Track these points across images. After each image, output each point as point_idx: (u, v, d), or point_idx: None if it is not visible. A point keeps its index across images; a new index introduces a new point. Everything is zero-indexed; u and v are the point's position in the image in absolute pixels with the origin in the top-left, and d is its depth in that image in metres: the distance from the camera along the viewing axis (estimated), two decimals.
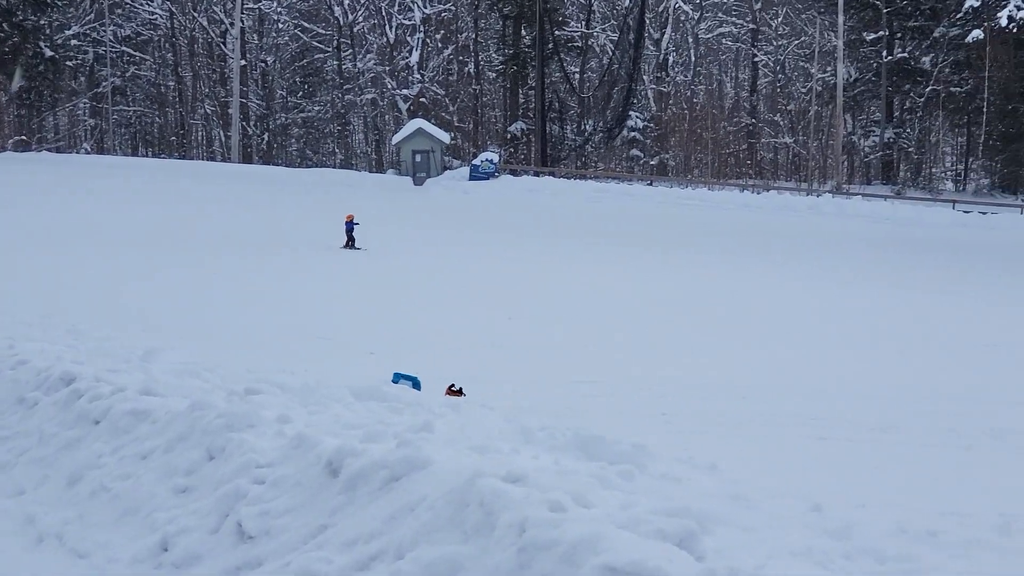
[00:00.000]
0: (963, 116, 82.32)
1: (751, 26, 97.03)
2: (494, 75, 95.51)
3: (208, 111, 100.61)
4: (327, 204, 58.95)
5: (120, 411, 11.32)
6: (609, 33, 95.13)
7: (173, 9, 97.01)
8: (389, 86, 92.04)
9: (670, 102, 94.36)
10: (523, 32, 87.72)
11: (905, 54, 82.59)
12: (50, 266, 35.11)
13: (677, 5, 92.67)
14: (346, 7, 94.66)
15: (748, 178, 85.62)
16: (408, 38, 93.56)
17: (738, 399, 21.04)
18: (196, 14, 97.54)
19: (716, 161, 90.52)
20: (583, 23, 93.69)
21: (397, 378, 18.23)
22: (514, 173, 77.18)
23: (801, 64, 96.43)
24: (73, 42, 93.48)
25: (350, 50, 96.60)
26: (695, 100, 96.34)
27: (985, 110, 76.17)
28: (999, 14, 73.13)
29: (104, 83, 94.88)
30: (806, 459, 16.07)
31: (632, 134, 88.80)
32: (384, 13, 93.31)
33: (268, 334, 26.37)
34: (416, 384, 18.19)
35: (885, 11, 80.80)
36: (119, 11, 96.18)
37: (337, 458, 8.11)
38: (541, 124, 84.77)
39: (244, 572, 7.63)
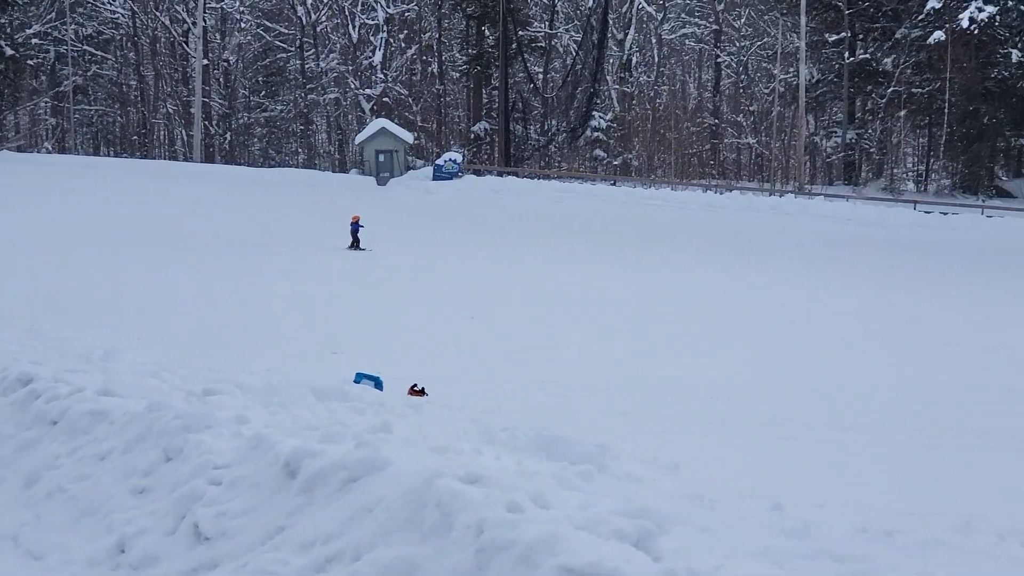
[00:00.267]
0: (924, 117, 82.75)
1: (714, 27, 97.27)
2: (458, 75, 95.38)
3: (170, 110, 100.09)
4: (294, 204, 58.79)
5: (78, 412, 11.22)
6: (573, 33, 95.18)
7: (135, 8, 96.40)
8: (352, 86, 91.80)
9: (633, 102, 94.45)
10: (486, 32, 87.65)
11: (867, 55, 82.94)
12: (10, 265, 34.81)
13: (640, 6, 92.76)
14: (309, 6, 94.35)
15: (711, 178, 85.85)
16: (371, 38, 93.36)
17: (704, 399, 21.06)
18: (158, 13, 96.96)
19: (679, 161, 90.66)
20: (547, 23, 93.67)
21: (359, 378, 18.17)
22: (478, 173, 77.09)
23: (764, 65, 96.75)
24: (34, 41, 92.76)
25: (313, 49, 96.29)
26: (658, 100, 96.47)
27: (946, 111, 76.60)
28: (960, 16, 73.56)
29: (66, 82, 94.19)
30: (770, 459, 16.09)
31: (595, 134, 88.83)
32: (347, 12, 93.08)
33: (233, 334, 26.21)
34: (378, 384, 18.13)
35: (847, 12, 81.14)
36: (80, 10, 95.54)
37: (295, 459, 8.06)
38: (505, 124, 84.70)
39: (200, 573, 7.57)
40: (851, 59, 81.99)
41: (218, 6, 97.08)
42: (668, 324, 30.43)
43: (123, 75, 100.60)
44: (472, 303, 32.40)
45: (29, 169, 67.29)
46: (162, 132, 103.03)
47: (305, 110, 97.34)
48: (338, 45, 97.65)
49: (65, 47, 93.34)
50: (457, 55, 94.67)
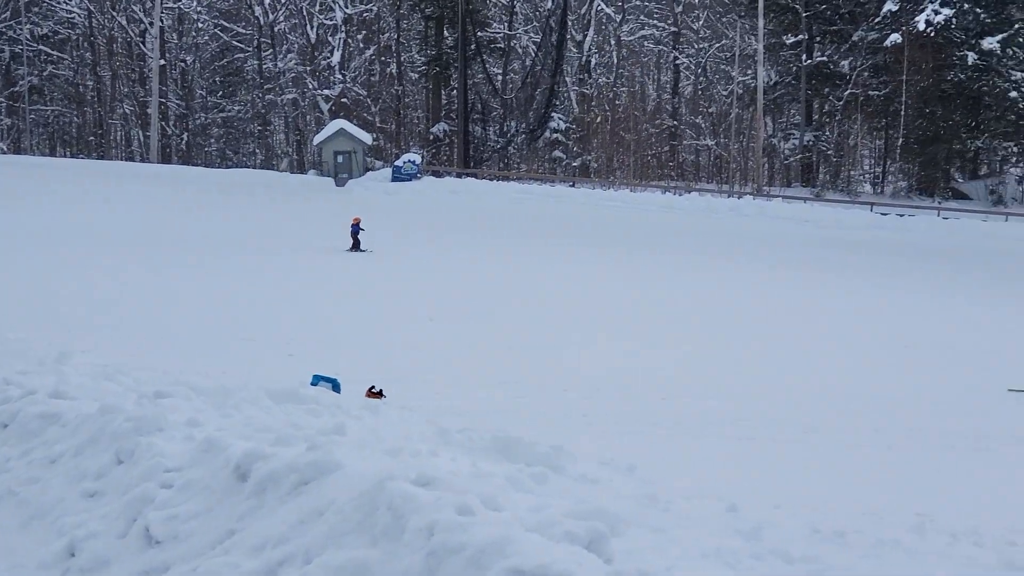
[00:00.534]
0: (881, 120, 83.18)
1: (672, 29, 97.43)
2: (416, 76, 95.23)
3: (127, 111, 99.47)
4: (252, 205, 58.52)
5: (29, 414, 11.12)
6: (532, 35, 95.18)
7: (91, 8, 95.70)
8: (310, 86, 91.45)
9: (592, 104, 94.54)
10: (445, 33, 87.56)
11: (824, 58, 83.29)
12: None
13: (599, 7, 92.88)
14: (267, 7, 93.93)
15: (670, 180, 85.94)
16: (329, 38, 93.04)
17: (663, 399, 21.11)
18: (115, 13, 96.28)
19: (638, 163, 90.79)
20: (506, 24, 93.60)
21: (316, 380, 18.10)
22: (437, 174, 76.98)
23: (722, 67, 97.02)
24: None
25: (271, 50, 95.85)
26: (617, 102, 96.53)
27: (903, 114, 77.07)
28: (917, 18, 73.95)
29: (21, 82, 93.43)
30: (727, 460, 16.13)
31: (554, 136, 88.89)
32: (305, 13, 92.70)
33: (191, 335, 26.11)
34: (336, 386, 18.06)
35: (804, 15, 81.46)
36: (36, 9, 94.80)
37: (246, 462, 7.99)
38: (463, 125, 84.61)
39: None
40: (808, 61, 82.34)
41: (175, 6, 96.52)
42: (628, 325, 30.46)
43: (79, 75, 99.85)
44: (431, 304, 32.35)
45: None
46: (119, 133, 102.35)
47: (263, 110, 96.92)
48: (296, 45, 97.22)
49: (20, 47, 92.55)
50: (416, 56, 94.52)
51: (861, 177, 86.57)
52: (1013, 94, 73.51)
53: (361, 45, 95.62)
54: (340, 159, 73.64)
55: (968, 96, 75.82)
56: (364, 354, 24.60)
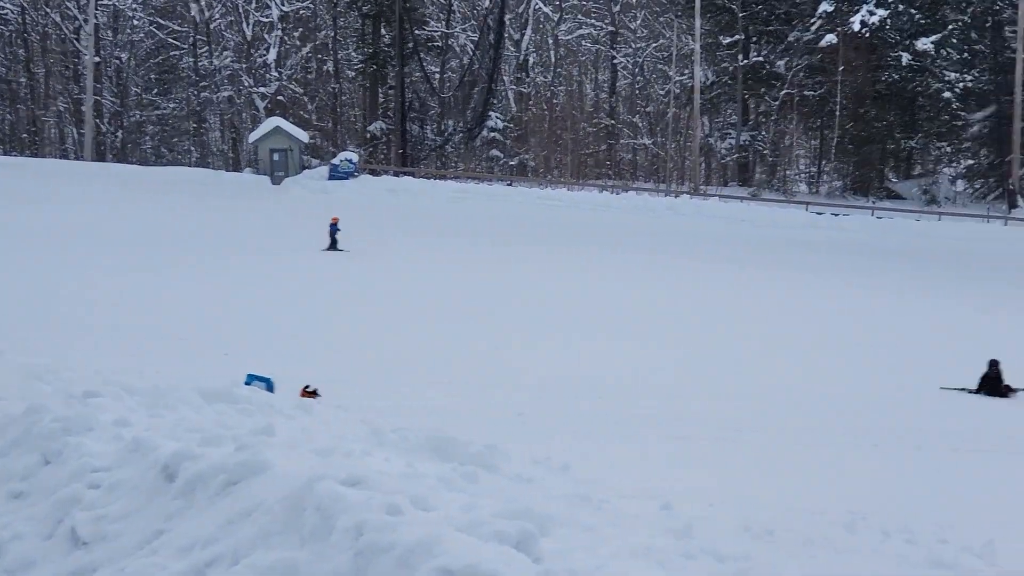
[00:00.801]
0: (817, 120, 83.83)
1: (610, 28, 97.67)
2: (353, 74, 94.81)
3: (61, 108, 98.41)
4: (189, 203, 58.02)
5: None
6: (469, 33, 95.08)
7: (25, 4, 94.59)
8: (246, 84, 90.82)
9: (530, 103, 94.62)
10: (383, 31, 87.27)
11: (760, 58, 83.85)
12: None
13: (537, 6, 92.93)
14: (203, 4, 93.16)
15: (607, 179, 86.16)
16: (266, 35, 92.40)
17: (599, 399, 21.12)
18: (48, 9, 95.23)
19: (576, 162, 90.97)
20: (443, 23, 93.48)
21: (250, 379, 17.97)
22: (374, 173, 76.65)
23: (659, 67, 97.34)
24: None
25: (206, 47, 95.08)
26: (555, 101, 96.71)
27: (838, 114, 77.73)
28: (852, 19, 74.62)
29: None
30: (663, 459, 16.15)
31: (492, 135, 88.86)
32: (241, 10, 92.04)
33: (126, 335, 25.86)
34: (269, 386, 17.94)
35: (741, 15, 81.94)
36: None
37: (174, 462, 7.90)
38: (401, 124, 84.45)
39: None
40: (745, 61, 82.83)
41: (110, 3, 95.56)
42: (563, 324, 30.48)
43: (12, 72, 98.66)
44: (369, 303, 32.24)
45: None
46: (52, 130, 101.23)
47: (198, 108, 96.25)
48: (232, 43, 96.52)
49: None
50: (353, 54, 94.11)
51: (797, 177, 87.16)
52: (947, 94, 74.37)
53: (298, 43, 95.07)
54: (276, 157, 73.14)
55: (902, 96, 76.65)
56: (302, 353, 24.47)
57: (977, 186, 79.83)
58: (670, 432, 18.22)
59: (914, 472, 16.58)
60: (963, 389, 23.75)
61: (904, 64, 74.48)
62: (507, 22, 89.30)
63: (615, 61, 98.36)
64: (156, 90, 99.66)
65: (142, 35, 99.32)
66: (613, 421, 19.00)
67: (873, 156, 78.59)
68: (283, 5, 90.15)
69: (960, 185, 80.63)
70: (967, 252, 55.13)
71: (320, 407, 15.75)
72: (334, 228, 44.35)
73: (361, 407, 17.62)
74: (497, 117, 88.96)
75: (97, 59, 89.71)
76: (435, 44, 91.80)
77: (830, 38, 75.57)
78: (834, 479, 15.56)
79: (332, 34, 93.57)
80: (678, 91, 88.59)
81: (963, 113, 76.40)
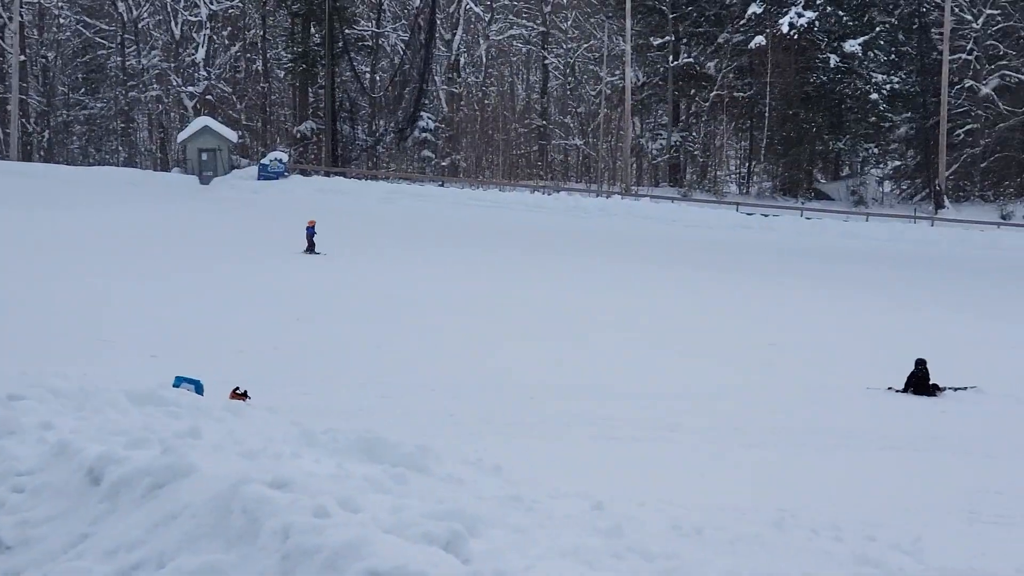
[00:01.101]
0: (746, 121, 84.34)
1: (541, 29, 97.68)
2: (283, 73, 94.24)
3: None
4: (119, 203, 57.46)
5: None
6: (400, 33, 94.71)
7: None
8: (174, 83, 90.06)
9: (461, 103, 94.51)
10: (312, 30, 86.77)
11: (691, 59, 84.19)
12: None
13: (468, 6, 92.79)
14: (130, 2, 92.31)
15: (539, 179, 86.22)
16: (194, 34, 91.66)
17: (531, 400, 21.12)
18: None
19: (507, 162, 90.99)
20: (374, 22, 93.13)
21: (179, 382, 17.84)
22: (304, 173, 76.29)
23: (591, 67, 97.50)
24: None
25: (134, 46, 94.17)
26: (486, 101, 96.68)
27: (767, 115, 78.27)
28: (780, 21, 75.13)
29: None
30: (594, 459, 16.19)
31: (423, 135, 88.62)
32: (169, 9, 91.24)
33: (51, 336, 25.59)
34: (198, 388, 17.81)
35: (671, 17, 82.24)
36: None
37: (99, 465, 7.80)
38: (331, 124, 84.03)
39: None
40: (675, 63, 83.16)
41: (36, 1, 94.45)
42: (494, 325, 30.48)
43: None
44: (298, 305, 32.07)
45: None
46: None
47: (126, 108, 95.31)
48: (160, 42, 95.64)
49: None
50: (282, 53, 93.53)
51: (727, 177, 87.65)
52: (874, 96, 75.16)
53: (226, 42, 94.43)
54: (205, 157, 72.61)
55: (830, 98, 77.34)
56: (231, 355, 24.31)
57: (904, 187, 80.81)
58: (602, 432, 18.26)
59: (842, 470, 16.71)
60: (890, 388, 23.98)
61: (832, 66, 75.15)
62: (438, 22, 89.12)
63: (546, 62, 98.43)
64: (83, 89, 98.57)
65: (69, 34, 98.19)
66: (546, 422, 19.02)
67: (802, 157, 79.25)
68: (212, 4, 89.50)
69: (887, 186, 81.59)
70: (894, 252, 55.75)
71: (250, 409, 15.65)
72: (311, 231, 44.25)
73: (292, 409, 17.53)
74: (428, 117, 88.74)
75: (23, 58, 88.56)
76: (366, 43, 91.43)
77: (759, 40, 76.10)
78: (763, 478, 15.65)
79: (261, 33, 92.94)
80: (609, 92, 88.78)
81: (890, 115, 77.30)
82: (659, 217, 65.05)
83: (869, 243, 58.93)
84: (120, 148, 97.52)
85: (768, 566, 8.17)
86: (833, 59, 75.06)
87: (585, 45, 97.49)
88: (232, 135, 76.39)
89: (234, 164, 75.54)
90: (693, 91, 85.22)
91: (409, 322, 30.24)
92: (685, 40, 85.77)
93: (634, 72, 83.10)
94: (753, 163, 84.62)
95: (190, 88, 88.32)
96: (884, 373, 24.72)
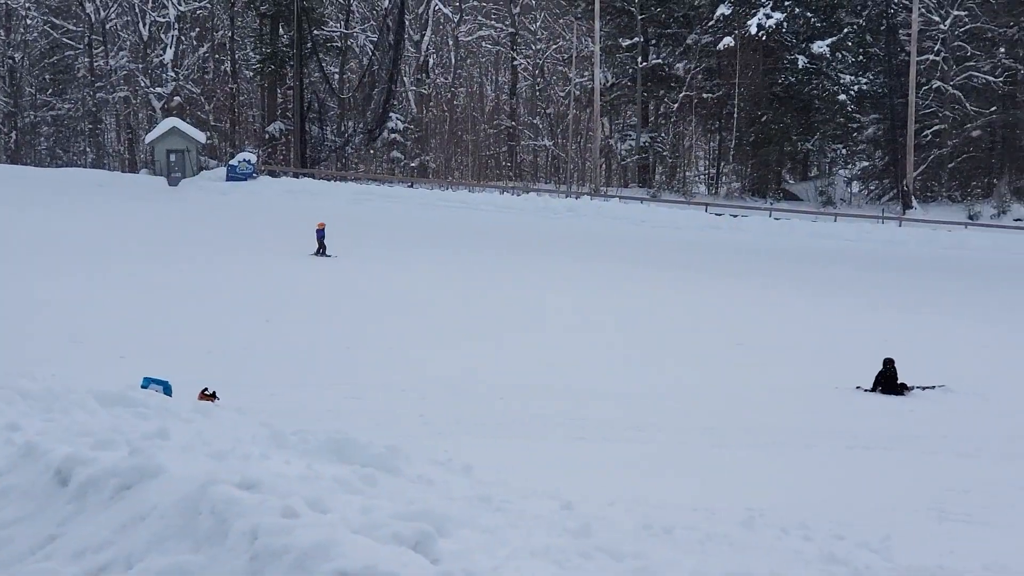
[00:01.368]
0: (715, 121, 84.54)
1: (510, 30, 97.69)
2: (251, 74, 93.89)
3: None
4: (85, 204, 57.20)
5: None
6: (369, 34, 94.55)
7: None
8: (143, 84, 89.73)
9: (431, 104, 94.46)
10: (281, 31, 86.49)
11: (660, 60, 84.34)
12: None
13: (437, 7, 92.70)
14: (98, 3, 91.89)
15: (508, 180, 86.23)
16: (162, 35, 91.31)
17: (497, 400, 21.13)
18: None
19: (476, 163, 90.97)
20: (342, 23, 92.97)
21: (147, 383, 17.77)
22: (273, 174, 76.04)
23: (559, 68, 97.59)
24: None
25: (102, 47, 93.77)
26: (456, 102, 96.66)
27: (736, 116, 78.44)
28: (749, 22, 75.37)
29: None
30: (564, 458, 16.21)
31: (392, 136, 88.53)
32: (137, 10, 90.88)
33: (20, 337, 25.45)
34: (167, 389, 17.74)
35: (640, 18, 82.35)
36: None
37: (67, 467, 7.76)
38: (300, 125, 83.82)
39: None
40: (644, 64, 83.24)
41: (2, 2, 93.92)
42: (466, 326, 30.47)
43: None
44: (268, 307, 31.99)
45: None
46: None
47: (94, 109, 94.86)
48: (128, 43, 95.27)
49: None
50: (251, 54, 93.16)
51: (696, 178, 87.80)
52: (842, 97, 75.51)
53: (195, 43, 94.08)
54: (173, 158, 72.30)
55: (799, 99, 77.58)
56: (200, 356, 24.23)
57: (872, 187, 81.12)
58: (573, 433, 18.29)
59: (811, 470, 16.77)
60: (858, 388, 24.08)
61: (800, 67, 75.43)
62: (407, 23, 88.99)
63: (515, 63, 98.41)
64: (51, 90, 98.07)
65: (36, 34, 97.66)
66: (516, 422, 19.04)
67: (770, 158, 79.52)
68: (180, 5, 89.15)
69: (856, 186, 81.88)
70: (862, 252, 55.97)
71: (218, 410, 15.59)
72: (321, 233, 44.18)
73: (262, 410, 17.49)
74: (397, 118, 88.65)
75: None
76: (334, 44, 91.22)
77: (728, 41, 76.29)
78: (733, 478, 15.69)
79: (230, 34, 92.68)
80: (578, 93, 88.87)
81: (858, 116, 77.68)
82: (628, 218, 65.09)
83: (837, 243, 59.15)
84: (88, 149, 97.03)
85: (737, 565, 8.18)
86: (801, 60, 75.33)
87: (554, 46, 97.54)
88: (200, 136, 76.12)
89: (202, 165, 75.25)
90: (662, 92, 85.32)
91: (379, 323, 30.21)
92: (654, 41, 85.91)
93: (603, 73, 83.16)
94: (722, 164, 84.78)
95: (158, 89, 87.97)
96: (852, 373, 24.84)
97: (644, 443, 17.88)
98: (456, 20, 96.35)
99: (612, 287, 39.62)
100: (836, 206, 73.06)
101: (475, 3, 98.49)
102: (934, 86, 73.81)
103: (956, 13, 73.81)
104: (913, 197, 71.09)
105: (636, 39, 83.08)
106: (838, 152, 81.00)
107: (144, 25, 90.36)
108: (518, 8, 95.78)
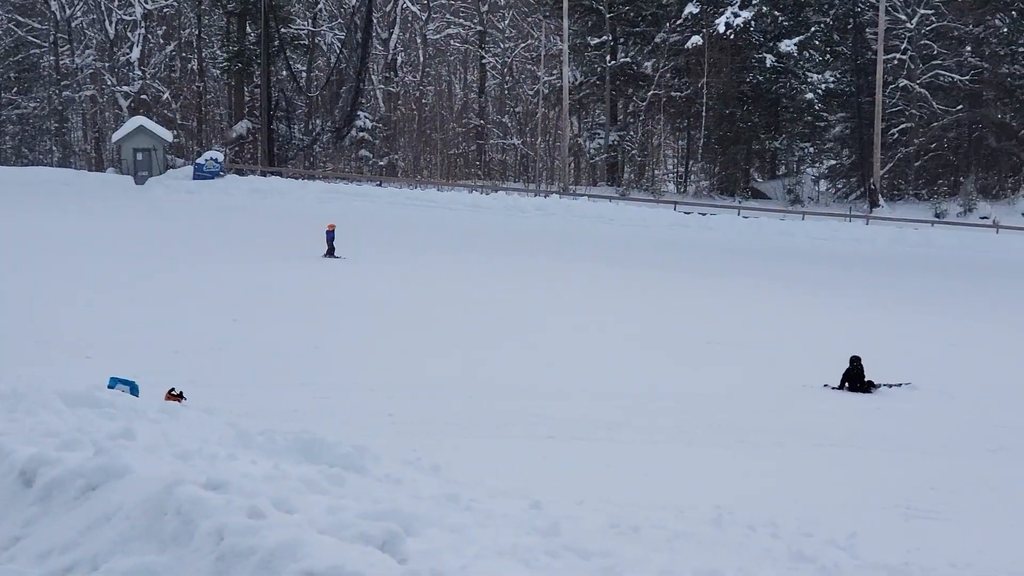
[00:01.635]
0: (684, 120, 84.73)
1: (479, 28, 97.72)
2: (218, 72, 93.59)
3: None
4: (51, 203, 56.93)
5: None
6: (336, 32, 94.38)
7: None
8: (109, 82, 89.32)
9: (399, 102, 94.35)
10: (248, 29, 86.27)
11: (628, 59, 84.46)
12: None
13: (405, 5, 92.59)
14: (64, 1, 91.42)
15: (477, 179, 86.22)
16: (129, 34, 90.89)
17: (465, 399, 21.11)
18: None
19: (445, 162, 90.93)
20: (310, 21, 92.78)
21: (113, 383, 17.68)
22: (240, 173, 75.86)
23: (528, 67, 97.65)
24: None
25: (68, 45, 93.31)
26: (424, 101, 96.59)
27: (704, 114, 78.64)
28: (717, 21, 75.59)
29: None
30: (533, 458, 16.22)
31: (361, 134, 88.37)
32: (104, 8, 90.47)
33: None
34: (134, 389, 17.66)
35: (608, 16, 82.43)
36: None
37: (31, 467, 7.71)
38: (267, 123, 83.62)
39: None
40: (613, 62, 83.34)
41: None
42: (434, 326, 30.41)
43: None
44: (235, 306, 31.86)
45: None
46: None
47: (60, 107, 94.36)
48: (94, 41, 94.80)
49: None
50: (218, 52, 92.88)
51: (665, 177, 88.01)
52: (809, 95, 75.81)
53: (161, 41, 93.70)
54: (140, 157, 72.03)
55: (766, 98, 77.86)
56: (167, 356, 24.13)
57: (839, 186, 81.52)
58: (541, 432, 18.29)
59: (779, 468, 16.82)
60: (826, 385, 24.17)
61: (768, 66, 75.67)
62: (375, 21, 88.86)
63: (484, 61, 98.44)
64: (16, 89, 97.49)
65: (0, 32, 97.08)
66: (485, 422, 19.03)
67: (739, 156, 79.77)
68: (146, 3, 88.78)
69: (823, 185, 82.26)
70: (830, 250, 56.23)
71: (185, 410, 15.54)
72: (330, 235, 43.99)
73: (230, 410, 17.44)
74: (366, 117, 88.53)
75: None
76: (302, 42, 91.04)
77: (696, 40, 76.49)
78: (701, 476, 15.73)
79: (196, 32, 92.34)
80: (547, 91, 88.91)
81: (825, 114, 78.03)
82: (597, 216, 65.20)
83: (805, 241, 59.40)
84: (54, 148, 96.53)
85: (705, 563, 8.20)
86: (769, 59, 75.59)
87: (522, 44, 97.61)
88: (167, 135, 75.87)
89: (169, 164, 75.00)
90: (630, 91, 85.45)
91: (347, 323, 30.14)
92: (622, 40, 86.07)
93: (572, 72, 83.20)
94: (690, 162, 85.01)
95: (125, 88, 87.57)
96: (820, 370, 24.91)
97: (613, 442, 17.90)
98: (424, 18, 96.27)
99: (580, 286, 39.62)
100: (804, 204, 73.36)
101: (443, 1, 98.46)
102: (901, 85, 74.19)
103: (923, 12, 74.24)
104: (880, 195, 71.40)
105: (605, 38, 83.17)
106: (806, 151, 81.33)
107: (110, 23, 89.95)
108: (486, 6, 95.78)
